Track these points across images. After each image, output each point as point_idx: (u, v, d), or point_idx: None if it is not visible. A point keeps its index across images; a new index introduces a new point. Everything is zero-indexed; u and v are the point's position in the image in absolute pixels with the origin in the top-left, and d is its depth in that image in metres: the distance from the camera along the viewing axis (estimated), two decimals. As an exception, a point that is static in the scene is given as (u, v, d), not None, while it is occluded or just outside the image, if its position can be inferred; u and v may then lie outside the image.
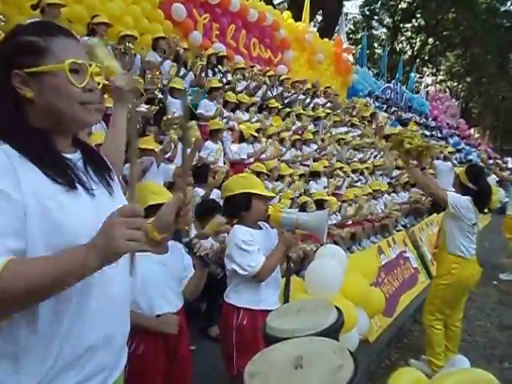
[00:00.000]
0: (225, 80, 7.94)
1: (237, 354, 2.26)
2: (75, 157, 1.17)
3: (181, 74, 7.00)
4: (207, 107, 6.54)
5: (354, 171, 8.16)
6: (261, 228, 2.40)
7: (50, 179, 1.05)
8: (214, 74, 7.85)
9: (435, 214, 7.20)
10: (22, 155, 1.03)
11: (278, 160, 6.75)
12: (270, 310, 1.83)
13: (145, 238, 0.97)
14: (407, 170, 3.51)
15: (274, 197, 2.88)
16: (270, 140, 7.04)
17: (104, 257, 0.95)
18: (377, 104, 14.89)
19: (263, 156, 6.51)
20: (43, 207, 1.02)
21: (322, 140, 8.68)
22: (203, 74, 7.32)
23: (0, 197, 0.97)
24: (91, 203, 1.12)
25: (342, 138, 9.16)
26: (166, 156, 4.64)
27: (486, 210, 3.60)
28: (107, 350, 1.16)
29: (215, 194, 4.53)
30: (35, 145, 1.07)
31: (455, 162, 9.48)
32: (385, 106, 15.28)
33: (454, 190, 3.60)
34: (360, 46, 19.04)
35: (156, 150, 4.34)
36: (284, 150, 7.08)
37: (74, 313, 1.07)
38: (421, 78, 28.31)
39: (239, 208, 2.34)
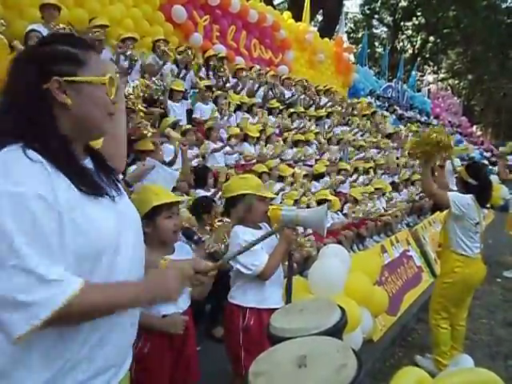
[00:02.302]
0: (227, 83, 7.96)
1: (245, 354, 2.27)
2: (88, 163, 1.23)
3: (181, 75, 7.03)
4: (202, 111, 6.57)
5: (356, 170, 8.17)
6: (261, 228, 2.42)
7: (79, 190, 1.10)
8: (215, 75, 7.86)
9: (438, 213, 7.18)
10: (54, 167, 1.07)
11: (281, 160, 6.78)
12: (275, 309, 1.84)
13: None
14: (423, 168, 3.49)
15: (274, 198, 2.89)
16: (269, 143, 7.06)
17: (155, 300, 1.24)
18: (378, 103, 14.88)
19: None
20: (74, 217, 1.06)
21: (324, 139, 8.69)
22: (203, 74, 7.34)
23: (46, 206, 1.01)
24: (113, 208, 1.18)
25: (343, 138, 9.16)
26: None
27: (488, 206, 3.60)
28: (115, 346, 1.18)
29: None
30: (63, 156, 1.11)
31: (458, 160, 9.45)
32: (386, 105, 15.28)
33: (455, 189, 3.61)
34: (360, 45, 19.04)
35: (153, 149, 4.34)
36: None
37: None
38: (422, 76, 28.28)
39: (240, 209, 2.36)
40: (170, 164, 4.59)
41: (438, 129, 3.43)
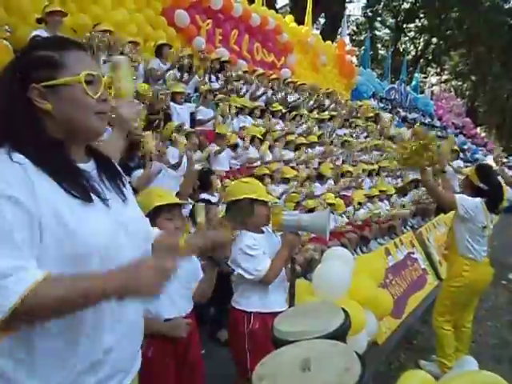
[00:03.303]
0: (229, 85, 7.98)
1: (251, 358, 2.26)
2: (89, 166, 1.20)
3: (184, 78, 7.06)
4: (204, 113, 6.61)
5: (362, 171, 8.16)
6: (263, 232, 2.42)
7: (66, 192, 1.08)
8: (218, 79, 7.89)
9: (442, 215, 7.15)
10: (39, 169, 1.06)
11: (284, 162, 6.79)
12: (279, 312, 1.84)
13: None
14: (422, 175, 3.44)
15: (276, 203, 2.90)
16: (277, 143, 7.08)
17: (125, 292, 1.02)
18: (381, 105, 14.88)
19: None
20: (59, 220, 1.04)
21: (328, 142, 8.70)
22: (206, 78, 7.38)
23: (16, 206, 0.99)
24: (106, 214, 1.15)
25: (347, 140, 9.17)
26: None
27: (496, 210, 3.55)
28: (123, 352, 1.18)
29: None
30: (52, 157, 1.10)
31: (460, 162, 9.43)
32: (389, 107, 15.27)
33: (458, 191, 3.59)
34: (363, 48, 19.07)
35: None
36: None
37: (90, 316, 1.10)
38: (425, 78, 28.25)
39: (242, 213, 2.36)
40: (175, 167, 4.61)
41: (421, 136, 3.31)
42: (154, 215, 2.01)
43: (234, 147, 6.47)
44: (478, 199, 3.35)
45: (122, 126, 1.70)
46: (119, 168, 1.34)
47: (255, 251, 2.27)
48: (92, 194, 1.13)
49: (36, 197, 1.02)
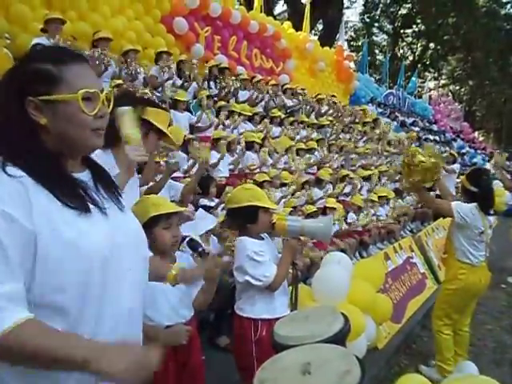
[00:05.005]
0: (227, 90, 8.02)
1: (258, 365, 2.26)
2: (85, 176, 1.19)
3: (184, 85, 7.10)
4: (204, 120, 6.63)
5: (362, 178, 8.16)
6: (263, 239, 2.43)
7: (63, 205, 1.07)
8: (216, 85, 7.93)
9: (441, 219, 7.18)
10: (36, 182, 1.05)
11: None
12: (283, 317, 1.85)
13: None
14: (418, 193, 3.50)
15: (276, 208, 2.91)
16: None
17: (99, 370, 0.97)
18: (379, 110, 14.93)
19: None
20: (56, 234, 1.03)
21: (328, 148, 8.73)
22: (205, 85, 7.43)
23: (10, 224, 0.99)
24: (104, 223, 1.14)
25: (345, 145, 9.19)
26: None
27: (492, 212, 3.59)
28: None
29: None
30: (49, 170, 1.09)
31: (457, 165, 9.48)
32: (388, 112, 15.32)
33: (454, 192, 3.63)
34: (361, 53, 19.17)
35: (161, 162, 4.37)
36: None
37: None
38: (423, 82, 28.39)
39: (245, 220, 2.36)
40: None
41: (428, 152, 3.27)
42: (151, 225, 1.98)
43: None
44: (472, 204, 3.39)
45: (130, 166, 1.96)
46: (114, 178, 1.34)
47: (262, 257, 2.27)
48: (90, 204, 1.12)
49: (32, 212, 1.01)
